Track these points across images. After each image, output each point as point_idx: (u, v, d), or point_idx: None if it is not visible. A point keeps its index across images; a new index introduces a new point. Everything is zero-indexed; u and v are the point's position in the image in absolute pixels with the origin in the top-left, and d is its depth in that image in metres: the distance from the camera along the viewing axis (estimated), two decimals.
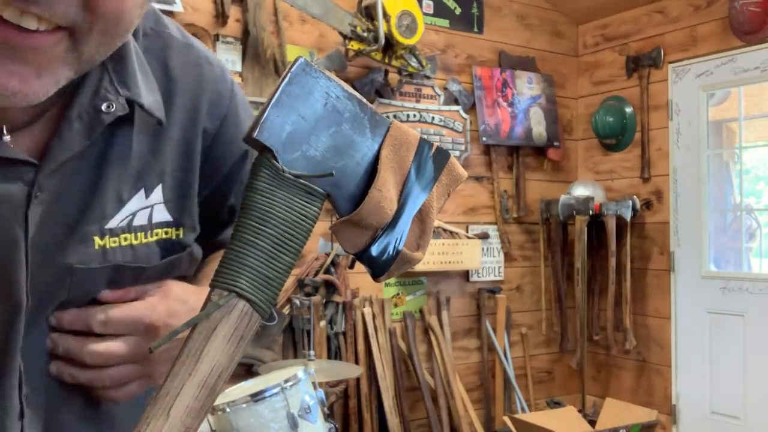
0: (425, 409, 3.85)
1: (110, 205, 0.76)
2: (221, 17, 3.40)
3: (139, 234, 0.79)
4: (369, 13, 3.50)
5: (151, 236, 0.80)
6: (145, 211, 0.79)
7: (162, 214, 0.81)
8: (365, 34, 3.46)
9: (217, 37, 3.31)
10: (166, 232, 0.82)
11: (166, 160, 0.81)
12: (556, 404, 4.29)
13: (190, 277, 0.90)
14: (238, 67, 3.36)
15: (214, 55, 0.90)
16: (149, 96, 0.77)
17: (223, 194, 0.91)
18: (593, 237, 4.36)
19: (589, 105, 4.69)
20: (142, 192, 0.79)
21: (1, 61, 0.59)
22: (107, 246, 0.76)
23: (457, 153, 4.19)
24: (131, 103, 0.74)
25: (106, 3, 0.60)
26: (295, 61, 0.68)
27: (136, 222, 0.79)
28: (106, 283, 0.77)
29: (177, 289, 0.81)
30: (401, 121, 3.55)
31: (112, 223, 0.77)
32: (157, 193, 0.80)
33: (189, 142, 0.83)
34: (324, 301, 3.55)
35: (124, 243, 0.78)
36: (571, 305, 4.46)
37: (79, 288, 0.75)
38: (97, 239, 0.75)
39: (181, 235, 0.83)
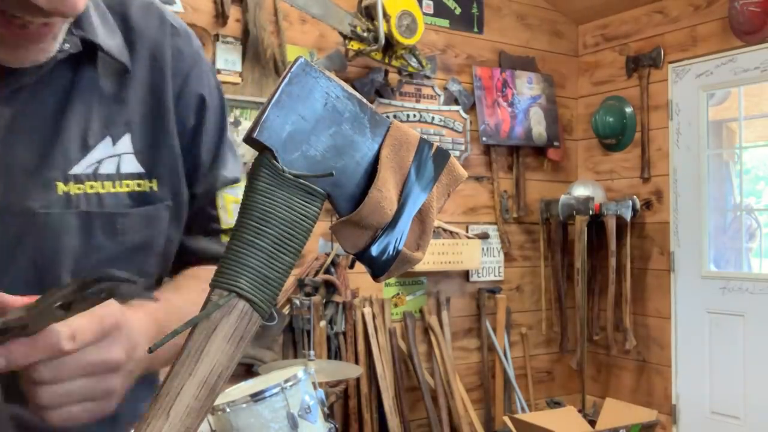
0: (425, 409, 3.85)
1: (74, 150, 0.76)
2: (221, 17, 3.40)
3: (106, 183, 0.78)
4: (369, 13, 3.50)
5: (120, 186, 0.79)
6: (112, 160, 0.79)
7: (132, 165, 0.80)
8: (365, 34, 3.46)
9: (217, 37, 3.31)
10: (138, 184, 0.81)
11: (133, 109, 0.81)
12: (556, 404, 4.29)
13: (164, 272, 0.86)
14: (238, 67, 3.36)
15: (177, 17, 0.90)
16: (109, 40, 0.78)
17: (192, 152, 0.89)
18: (593, 237, 4.36)
19: (589, 105, 4.69)
20: (108, 140, 0.79)
21: (30, 44, 0.69)
22: (71, 192, 0.75)
23: (457, 153, 4.19)
24: (88, 44, 0.75)
25: None
26: (295, 61, 0.68)
27: (103, 170, 0.78)
28: (77, 232, 0.76)
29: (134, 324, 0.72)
30: (401, 121, 3.54)
31: (77, 169, 0.76)
32: (125, 143, 0.80)
33: (157, 93, 0.83)
34: (324, 301, 3.55)
35: (90, 191, 0.77)
36: (571, 305, 4.46)
37: (45, 238, 0.74)
38: (60, 184, 0.75)
39: (155, 188, 0.82)
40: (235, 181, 0.95)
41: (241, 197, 0.95)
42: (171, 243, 0.86)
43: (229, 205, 0.93)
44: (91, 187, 0.77)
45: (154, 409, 0.63)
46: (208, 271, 0.88)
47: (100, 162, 0.78)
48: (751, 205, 4.49)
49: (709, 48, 4.04)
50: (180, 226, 0.86)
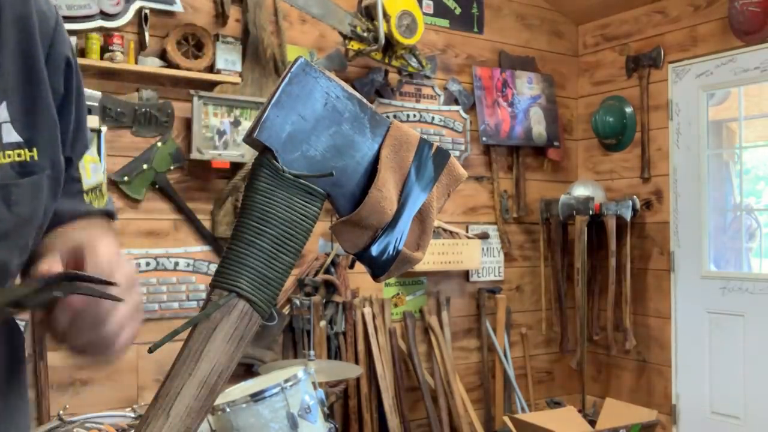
0: (425, 409, 3.85)
1: None
2: (221, 17, 3.40)
3: None
4: (369, 13, 3.50)
5: (4, 158, 0.77)
6: None
7: (11, 135, 0.78)
8: (365, 34, 3.46)
9: (217, 37, 3.31)
10: (19, 155, 0.78)
11: (6, 75, 0.78)
12: (556, 404, 4.29)
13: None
14: (238, 67, 3.36)
15: None
16: None
17: (63, 116, 0.87)
18: (593, 237, 4.36)
19: (589, 105, 4.69)
20: None
21: None
22: None
23: (457, 153, 4.19)
24: None
25: None
26: (295, 61, 0.68)
27: None
28: None
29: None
30: (401, 121, 3.54)
31: None
32: (2, 112, 0.77)
33: (29, 57, 0.80)
34: (324, 301, 3.55)
35: None
36: (571, 305, 4.46)
37: None
38: None
39: (36, 157, 0.80)
40: (91, 141, 0.94)
41: (93, 155, 0.94)
42: (47, 213, 0.84)
43: (87, 164, 0.92)
44: None
45: (154, 408, 0.63)
46: (75, 231, 0.88)
47: None
48: (751, 205, 4.48)
49: (709, 48, 4.04)
50: (57, 195, 0.84)
